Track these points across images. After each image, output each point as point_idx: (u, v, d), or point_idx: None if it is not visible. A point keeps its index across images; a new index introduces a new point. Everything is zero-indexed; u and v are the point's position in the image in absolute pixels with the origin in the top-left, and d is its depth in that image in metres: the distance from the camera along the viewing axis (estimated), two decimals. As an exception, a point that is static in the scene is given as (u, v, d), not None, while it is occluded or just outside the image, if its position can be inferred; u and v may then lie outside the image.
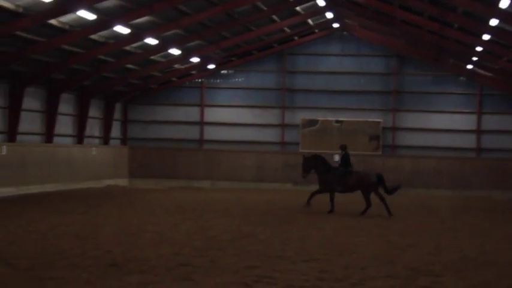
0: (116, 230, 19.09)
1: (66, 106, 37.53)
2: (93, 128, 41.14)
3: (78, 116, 39.03)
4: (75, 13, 25.77)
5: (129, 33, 30.35)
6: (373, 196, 25.39)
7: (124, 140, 44.87)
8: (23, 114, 33.11)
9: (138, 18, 28.50)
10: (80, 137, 39.23)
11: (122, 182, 42.40)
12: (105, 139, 42.43)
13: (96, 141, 41.80)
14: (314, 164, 26.18)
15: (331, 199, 25.76)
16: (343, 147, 26.56)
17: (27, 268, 12.75)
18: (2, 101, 32.19)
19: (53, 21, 26.70)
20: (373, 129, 42.68)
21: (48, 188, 33.94)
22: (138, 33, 30.87)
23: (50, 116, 35.89)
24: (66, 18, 27.18)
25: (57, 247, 15.42)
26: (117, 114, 43.54)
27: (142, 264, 13.47)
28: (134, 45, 33.32)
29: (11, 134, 32.64)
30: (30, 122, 34.41)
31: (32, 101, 34.32)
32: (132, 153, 44.04)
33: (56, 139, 36.61)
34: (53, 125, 36.02)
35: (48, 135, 35.99)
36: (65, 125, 37.89)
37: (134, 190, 36.92)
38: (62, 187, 35.26)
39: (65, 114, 37.54)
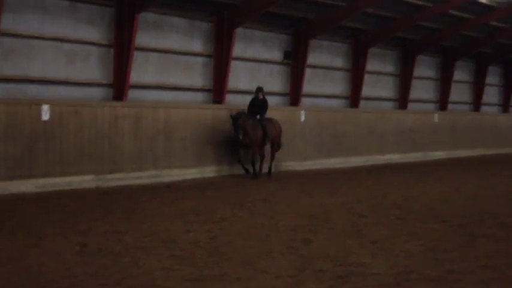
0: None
1: (492, 77, 36.65)
2: (518, 97, 39.75)
3: (503, 86, 37.99)
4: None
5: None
6: None
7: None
8: (453, 85, 32.95)
9: None
10: (505, 105, 38.17)
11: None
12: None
13: (521, 109, 40.35)
14: (244, 120, 19.19)
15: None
16: (262, 90, 20.05)
17: (459, 225, 12.49)
18: (435, 73, 32.35)
19: (482, -1, 26.12)
20: None
21: (475, 152, 33.35)
22: None
23: (478, 87, 35.33)
24: (495, -5, 26.42)
25: (485, 207, 14.96)
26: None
27: None
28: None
29: (443, 103, 32.70)
30: (459, 92, 34.15)
31: (461, 73, 33.97)
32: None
33: (483, 108, 35.97)
34: (481, 94, 35.42)
35: (476, 104, 35.46)
36: (491, 94, 37.10)
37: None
38: (487, 152, 34.45)
39: (491, 85, 36.70)
